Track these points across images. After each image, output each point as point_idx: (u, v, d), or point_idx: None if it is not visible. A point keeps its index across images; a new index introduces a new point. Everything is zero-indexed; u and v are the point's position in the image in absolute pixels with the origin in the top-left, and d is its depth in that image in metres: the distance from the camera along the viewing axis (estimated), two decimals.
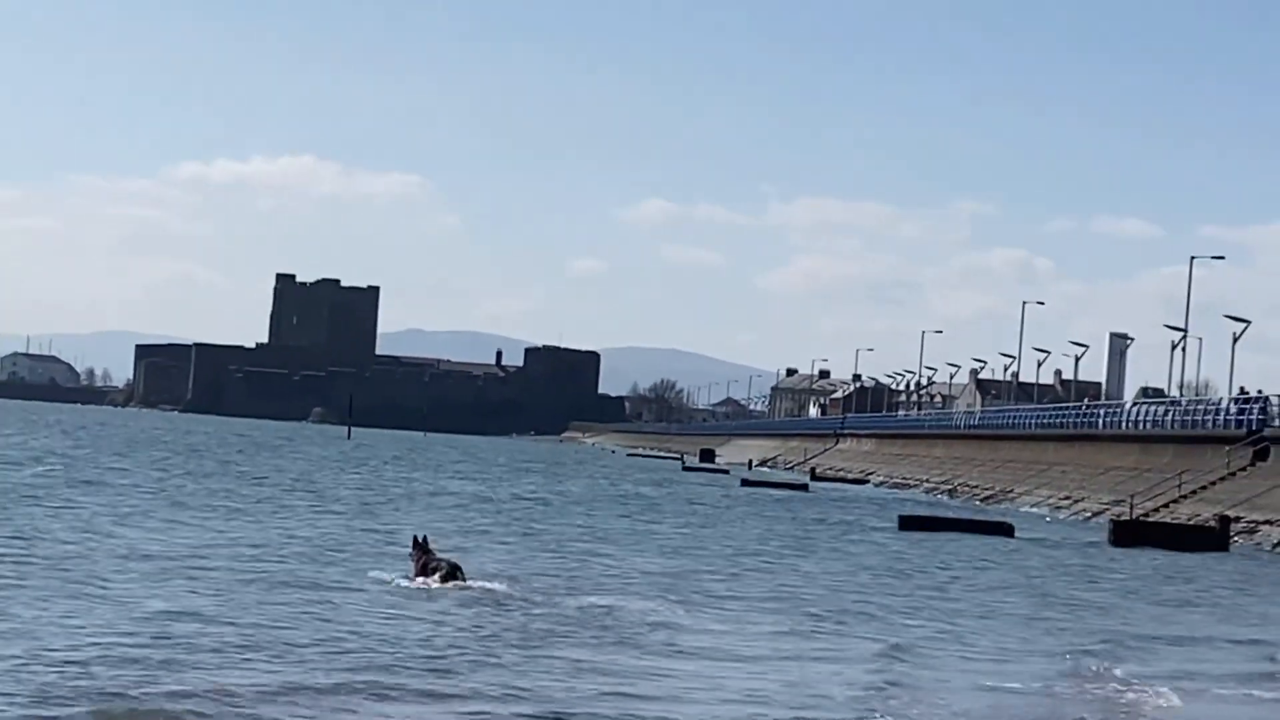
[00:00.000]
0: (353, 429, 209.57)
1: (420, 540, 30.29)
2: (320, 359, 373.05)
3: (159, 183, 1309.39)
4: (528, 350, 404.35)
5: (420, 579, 28.70)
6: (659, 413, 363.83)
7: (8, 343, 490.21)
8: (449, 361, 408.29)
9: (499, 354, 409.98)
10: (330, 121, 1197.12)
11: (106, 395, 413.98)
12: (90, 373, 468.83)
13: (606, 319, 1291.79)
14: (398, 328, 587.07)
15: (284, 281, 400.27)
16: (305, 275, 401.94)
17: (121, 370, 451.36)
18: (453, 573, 28.78)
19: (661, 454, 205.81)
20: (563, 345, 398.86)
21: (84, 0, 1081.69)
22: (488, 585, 28.93)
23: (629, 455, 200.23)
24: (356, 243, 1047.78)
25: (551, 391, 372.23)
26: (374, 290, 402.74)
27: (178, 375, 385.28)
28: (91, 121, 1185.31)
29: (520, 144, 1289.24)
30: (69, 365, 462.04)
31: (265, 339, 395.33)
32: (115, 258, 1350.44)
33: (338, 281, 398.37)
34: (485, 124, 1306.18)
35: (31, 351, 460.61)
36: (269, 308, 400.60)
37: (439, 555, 29.92)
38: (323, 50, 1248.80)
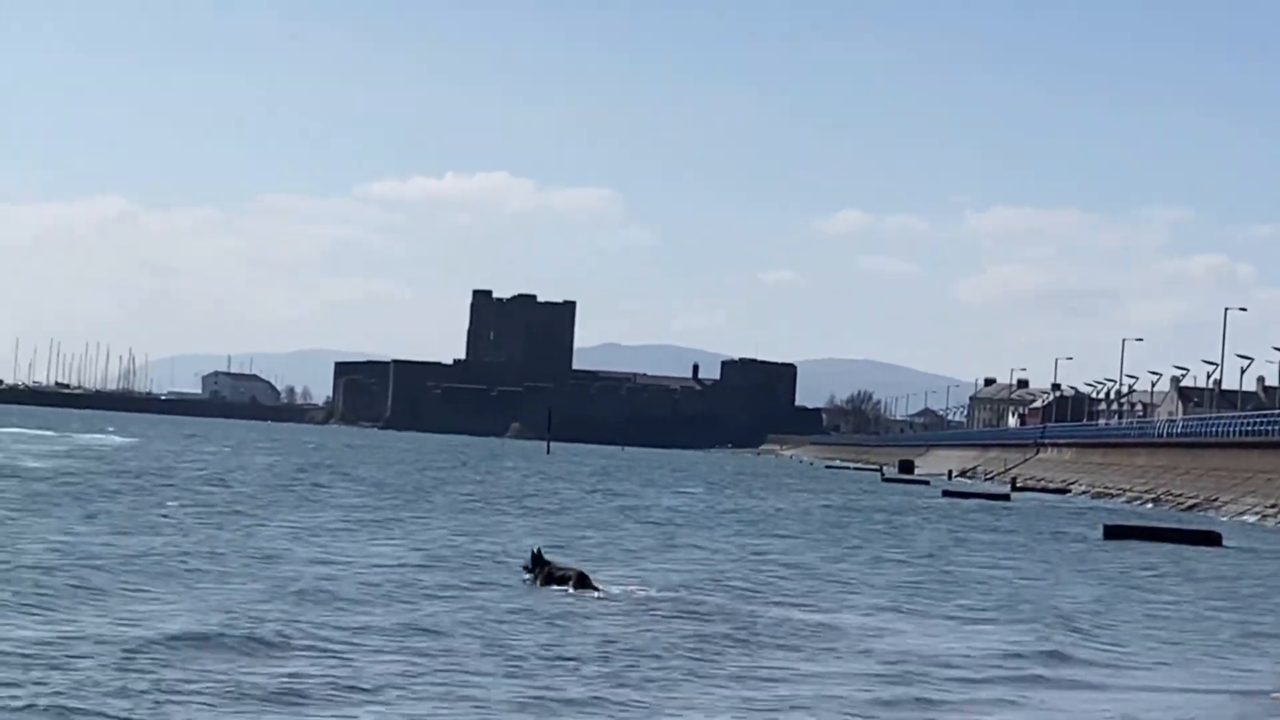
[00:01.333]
0: (551, 444, 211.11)
1: (537, 553, 31.90)
2: (517, 375, 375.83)
3: (355, 201, 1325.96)
4: (724, 363, 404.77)
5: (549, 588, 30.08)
6: (856, 424, 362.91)
7: (209, 361, 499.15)
8: (645, 375, 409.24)
9: (695, 367, 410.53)
10: (523, 138, 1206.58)
11: (307, 413, 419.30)
12: (290, 390, 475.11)
13: (802, 331, 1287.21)
14: (594, 342, 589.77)
15: (481, 298, 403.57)
16: (502, 291, 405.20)
17: (321, 388, 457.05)
18: (582, 579, 30.26)
19: (859, 466, 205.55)
20: (759, 358, 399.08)
21: (277, 23, 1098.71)
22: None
23: (827, 467, 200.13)
24: (552, 258, 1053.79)
25: (748, 404, 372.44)
26: (570, 305, 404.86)
27: (377, 392, 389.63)
28: (287, 141, 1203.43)
29: (713, 157, 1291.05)
30: (269, 383, 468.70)
31: (463, 355, 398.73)
32: (312, 276, 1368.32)
33: (534, 297, 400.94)
34: (677, 137, 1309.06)
35: (232, 370, 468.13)
36: (466, 324, 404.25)
37: (560, 565, 31.59)
38: (515, 67, 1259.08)
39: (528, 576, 31.20)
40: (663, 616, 27.15)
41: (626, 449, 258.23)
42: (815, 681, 21.44)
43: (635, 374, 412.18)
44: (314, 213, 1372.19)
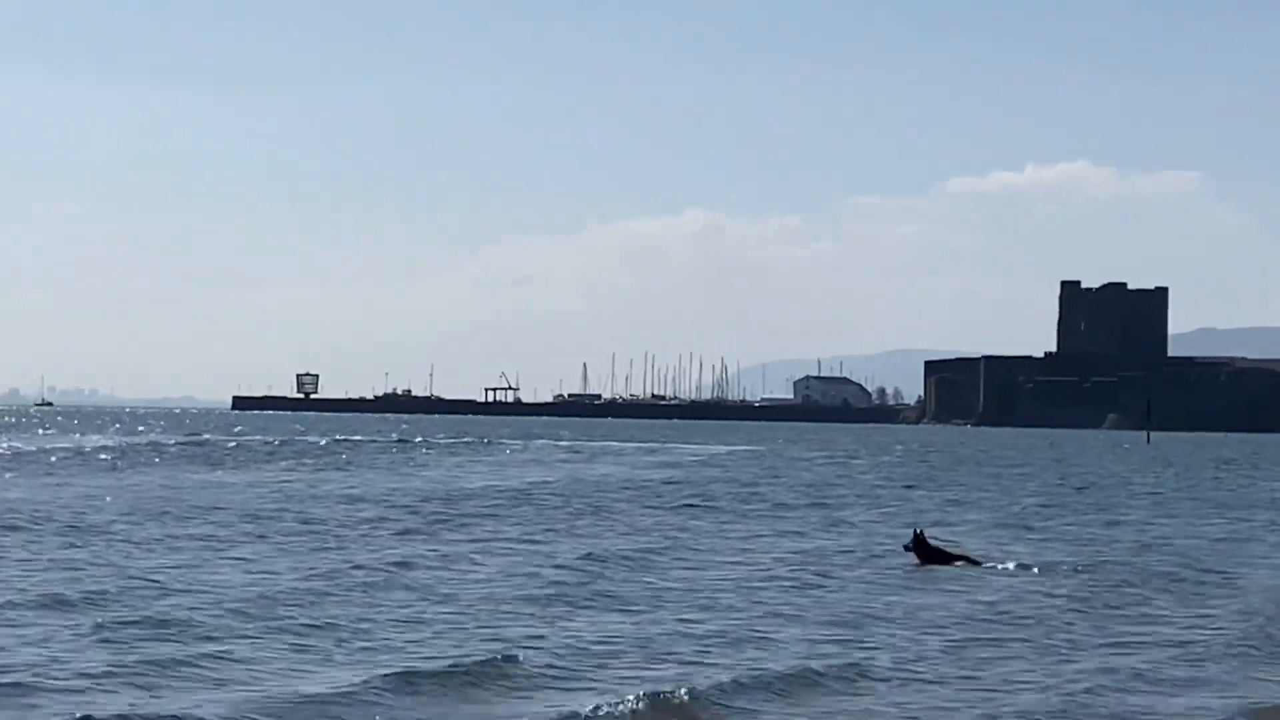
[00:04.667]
0: (1151, 434, 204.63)
1: (919, 534, 34.98)
2: (1110, 364, 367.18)
3: (934, 199, 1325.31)
4: None
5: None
6: None
7: (799, 366, 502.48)
8: (1245, 359, 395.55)
9: None
10: (1101, 125, 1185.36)
11: (899, 414, 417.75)
12: (881, 392, 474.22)
13: None
14: (1188, 328, 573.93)
15: (1069, 289, 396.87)
16: (1090, 281, 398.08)
17: (911, 388, 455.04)
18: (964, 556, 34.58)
19: None
20: None
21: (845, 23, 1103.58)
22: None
23: None
24: (1139, 245, 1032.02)
25: None
26: (1162, 291, 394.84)
27: (967, 389, 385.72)
28: (867, 144, 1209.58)
29: None
30: (860, 385, 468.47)
31: (1053, 347, 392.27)
32: (897, 276, 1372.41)
33: (1124, 285, 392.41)
34: (1263, 112, 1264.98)
35: (823, 374, 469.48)
36: (1055, 316, 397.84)
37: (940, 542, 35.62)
38: (1088, 57, 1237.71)
39: (909, 557, 34.32)
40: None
41: (1228, 436, 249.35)
42: None
43: (1234, 358, 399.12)
44: (896, 213, 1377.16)
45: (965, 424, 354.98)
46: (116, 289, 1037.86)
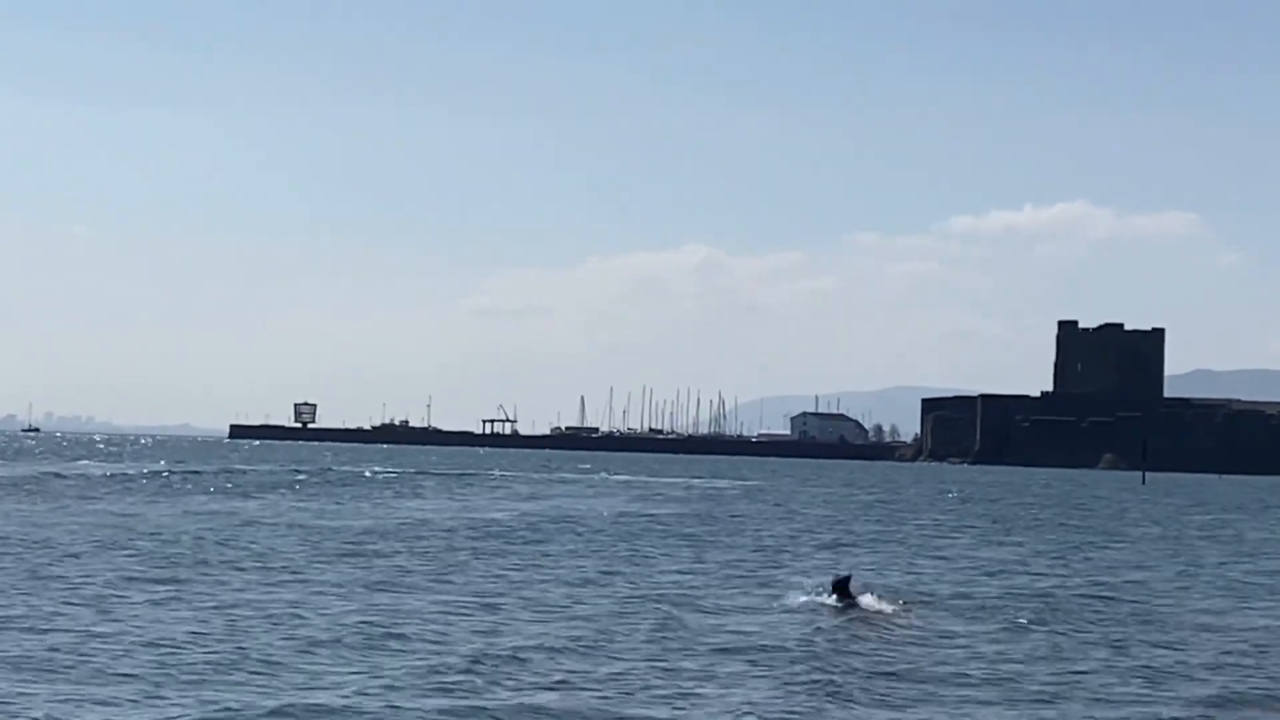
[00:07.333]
0: (1146, 474, 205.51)
1: (840, 581, 37.44)
2: (1107, 405, 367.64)
3: (935, 238, 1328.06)
4: None
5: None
6: None
7: (797, 403, 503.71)
8: (1240, 401, 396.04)
9: None
10: (1100, 166, 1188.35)
11: (895, 450, 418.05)
12: (878, 429, 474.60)
13: None
14: (1184, 369, 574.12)
15: (1066, 328, 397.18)
16: (1087, 321, 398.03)
17: (908, 425, 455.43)
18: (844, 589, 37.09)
19: None
20: None
21: (849, 64, 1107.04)
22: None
23: None
24: (1137, 285, 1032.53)
25: None
26: (1159, 333, 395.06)
27: (964, 427, 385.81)
28: (868, 181, 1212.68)
29: None
30: (856, 422, 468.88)
31: (1050, 387, 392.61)
32: (897, 313, 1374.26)
33: (1121, 326, 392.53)
34: (1259, 152, 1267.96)
35: (820, 410, 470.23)
36: (1052, 355, 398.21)
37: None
38: (1088, 97, 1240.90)
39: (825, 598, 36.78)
40: None
41: (1224, 478, 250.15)
42: None
43: (1230, 400, 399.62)
44: (897, 251, 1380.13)
45: (961, 462, 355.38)
46: (116, 316, 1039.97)
